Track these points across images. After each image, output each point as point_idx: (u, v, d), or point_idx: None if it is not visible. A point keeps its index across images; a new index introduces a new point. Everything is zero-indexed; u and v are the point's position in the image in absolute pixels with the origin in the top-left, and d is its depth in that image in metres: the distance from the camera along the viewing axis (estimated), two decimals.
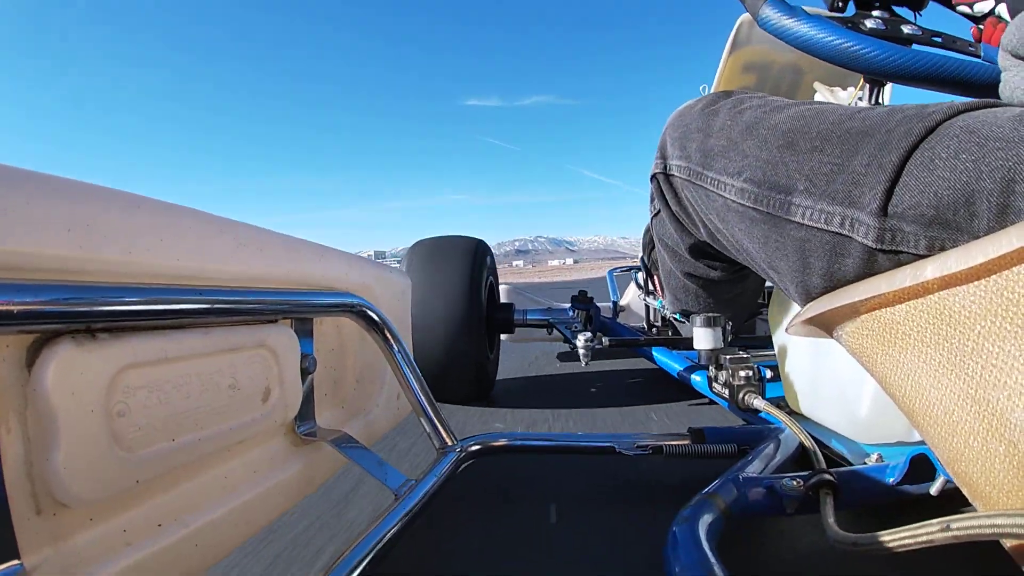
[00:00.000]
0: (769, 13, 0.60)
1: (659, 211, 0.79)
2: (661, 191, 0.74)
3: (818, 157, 0.47)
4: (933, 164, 0.38)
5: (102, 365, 0.32)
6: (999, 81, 0.58)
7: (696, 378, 1.15)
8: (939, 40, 0.65)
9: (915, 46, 0.63)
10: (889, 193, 0.40)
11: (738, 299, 0.94)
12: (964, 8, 0.72)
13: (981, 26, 0.72)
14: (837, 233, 0.44)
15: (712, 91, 1.10)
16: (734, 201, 0.56)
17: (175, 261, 0.37)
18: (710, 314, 0.93)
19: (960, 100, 0.42)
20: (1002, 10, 0.68)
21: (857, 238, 0.42)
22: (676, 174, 0.68)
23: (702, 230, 0.70)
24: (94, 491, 0.32)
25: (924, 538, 0.31)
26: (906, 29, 0.64)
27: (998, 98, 0.43)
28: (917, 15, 0.69)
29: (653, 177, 0.75)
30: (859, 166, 0.42)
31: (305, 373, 0.58)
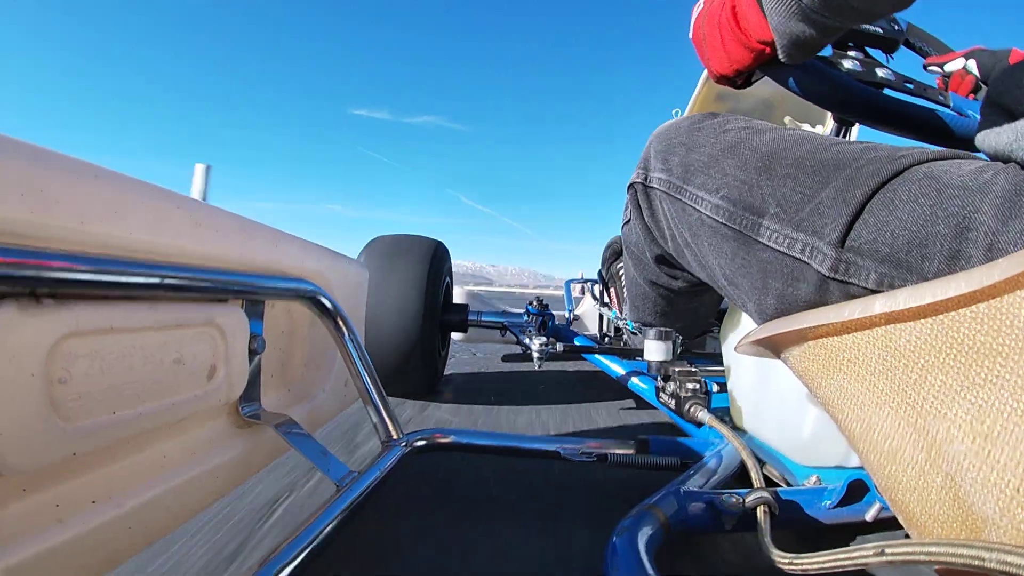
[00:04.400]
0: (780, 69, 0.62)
1: (630, 220, 0.81)
2: (637, 200, 0.76)
3: (791, 184, 0.49)
4: (893, 205, 0.40)
5: (45, 331, 0.31)
6: (966, 130, 0.62)
7: (644, 387, 1.17)
8: (910, 86, 0.69)
9: (887, 90, 0.66)
10: (849, 227, 0.42)
11: (694, 312, 0.97)
12: (935, 68, 0.77)
13: (947, 78, 0.78)
14: (797, 259, 0.46)
15: (686, 114, 1.13)
16: (708, 216, 0.58)
17: (128, 233, 0.36)
18: (663, 328, 0.96)
19: (936, 148, 0.45)
20: (972, 66, 0.74)
21: (814, 265, 0.44)
22: (655, 186, 0.70)
23: (670, 243, 0.73)
24: (28, 460, 0.31)
25: (859, 561, 0.32)
26: (880, 72, 0.68)
27: (968, 147, 0.46)
28: (889, 58, 0.73)
29: (631, 186, 0.77)
30: (826, 198, 0.45)
31: (253, 354, 0.57)
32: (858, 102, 0.61)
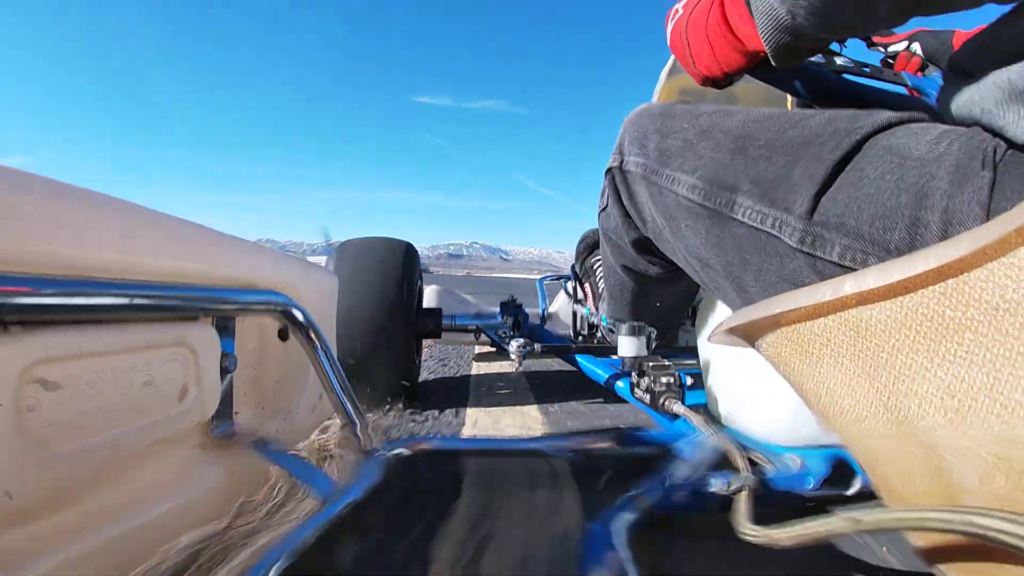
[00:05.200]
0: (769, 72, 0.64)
1: (607, 205, 0.82)
2: (615, 185, 0.78)
3: (763, 164, 0.51)
4: (860, 182, 0.42)
5: (13, 359, 0.30)
6: (917, 104, 0.65)
7: (619, 384, 1.18)
8: (867, 70, 0.72)
9: (845, 75, 0.69)
10: (816, 201, 0.44)
11: (669, 300, 0.98)
12: (879, 48, 0.81)
13: (891, 60, 0.81)
14: (768, 232, 0.48)
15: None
16: (684, 197, 0.60)
17: (95, 253, 0.35)
18: (635, 323, 0.96)
19: (893, 113, 0.46)
20: (916, 47, 0.78)
21: (783, 238, 0.46)
22: (632, 170, 0.72)
23: (648, 226, 0.74)
24: None
25: (833, 529, 0.32)
26: (839, 61, 0.71)
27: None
28: (843, 47, 0.77)
29: (608, 171, 0.78)
30: (797, 176, 0.47)
31: (225, 372, 0.56)
32: (830, 90, 0.64)
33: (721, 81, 0.64)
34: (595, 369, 1.33)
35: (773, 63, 0.55)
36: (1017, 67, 0.36)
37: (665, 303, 0.98)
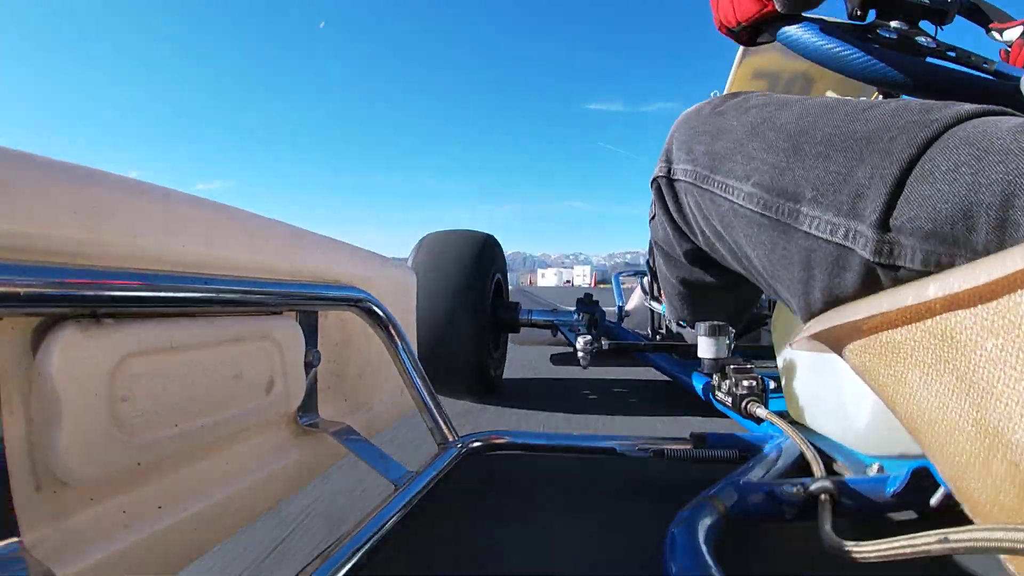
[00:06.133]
0: (787, 26, 0.59)
1: (655, 215, 0.79)
2: (662, 195, 0.74)
3: (823, 165, 0.46)
4: (933, 176, 0.37)
5: (106, 351, 0.33)
6: (1009, 91, 0.58)
7: (699, 385, 1.14)
8: (952, 55, 0.64)
9: (928, 59, 0.63)
10: (890, 205, 0.39)
11: (734, 305, 0.93)
12: (995, 33, 0.71)
13: (1008, 48, 0.72)
14: (840, 245, 0.43)
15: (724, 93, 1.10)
16: (742, 206, 0.55)
17: (181, 248, 0.37)
18: (715, 323, 0.93)
19: (970, 106, 0.41)
20: None
21: (858, 250, 0.41)
22: (681, 178, 0.67)
23: (700, 236, 0.70)
24: (94, 471, 0.32)
25: (921, 548, 0.30)
26: (921, 40, 0.64)
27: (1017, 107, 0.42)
28: (939, 29, 0.69)
29: (654, 180, 0.75)
30: (863, 177, 0.42)
31: (308, 366, 0.58)
32: (900, 74, 0.58)
33: (737, 32, 0.59)
34: (673, 369, 1.29)
35: (778, 7, 0.50)
36: None
37: (727, 308, 0.93)
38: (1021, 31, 0.71)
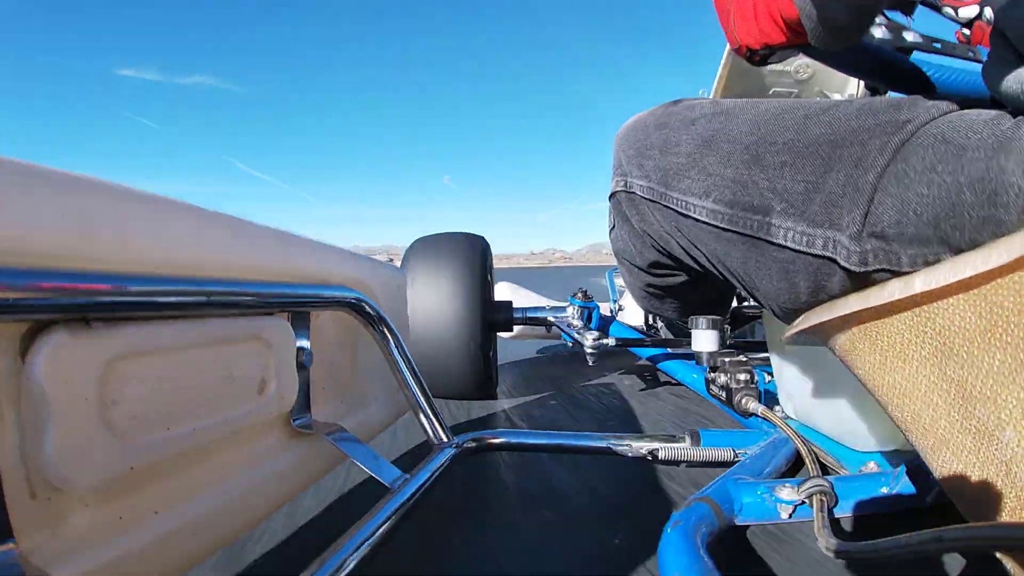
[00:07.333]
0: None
1: (615, 226, 0.78)
2: (622, 209, 0.73)
3: (790, 174, 0.46)
4: (909, 179, 0.37)
5: (96, 354, 0.33)
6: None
7: (694, 378, 1.15)
8: (938, 46, 0.64)
9: (916, 53, 0.63)
10: (868, 213, 0.39)
11: (705, 298, 0.93)
12: (949, 10, 0.70)
13: (966, 31, 0.71)
14: (819, 256, 0.43)
15: (712, 96, 1.09)
16: (706, 223, 0.55)
17: (170, 251, 0.37)
18: (709, 316, 0.93)
19: (938, 102, 0.41)
20: (988, 14, 0.67)
21: (840, 260, 0.41)
22: (639, 193, 0.67)
23: (667, 247, 0.69)
24: (88, 477, 0.32)
25: (916, 548, 0.30)
26: (908, 37, 0.64)
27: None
28: (909, 20, 0.69)
29: (613, 195, 0.74)
30: (835, 186, 0.42)
31: (301, 367, 0.58)
32: (892, 70, 0.58)
33: (758, 54, 0.55)
34: (669, 363, 1.30)
35: (811, 41, 0.46)
36: None
37: (700, 304, 0.92)
38: (978, 9, 0.69)
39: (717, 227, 0.53)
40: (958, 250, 0.34)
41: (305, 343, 0.59)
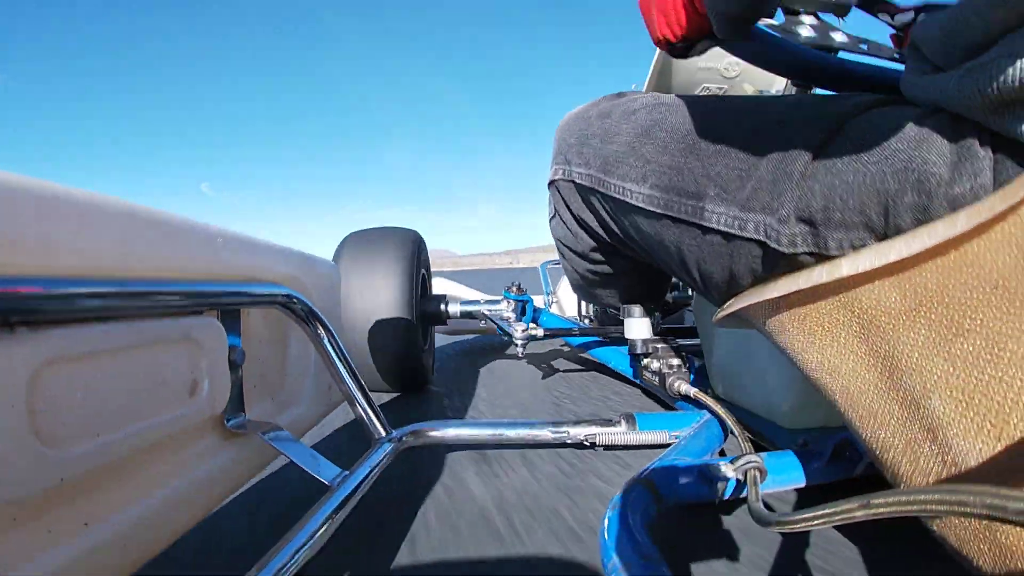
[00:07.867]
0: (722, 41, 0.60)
1: (556, 215, 0.80)
2: (561, 196, 0.75)
3: (723, 161, 0.48)
4: (836, 168, 0.39)
5: (22, 360, 0.31)
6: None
7: (627, 366, 1.18)
8: (864, 47, 0.68)
9: (842, 53, 0.66)
10: (797, 198, 0.41)
11: (643, 285, 0.96)
12: (885, 17, 0.75)
13: (901, 34, 0.76)
14: (751, 239, 0.45)
15: (644, 90, 1.12)
16: (642, 208, 0.56)
17: (95, 251, 0.36)
18: (640, 305, 0.96)
19: (865, 96, 0.44)
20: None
21: (769, 243, 0.44)
22: (579, 181, 0.69)
23: (606, 234, 0.71)
24: (15, 490, 0.30)
25: (845, 515, 0.31)
26: (836, 36, 0.67)
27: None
28: (841, 21, 0.73)
29: (552, 183, 0.76)
30: (766, 172, 0.44)
31: (233, 365, 0.56)
32: (815, 69, 0.60)
33: (676, 46, 0.57)
34: (602, 352, 1.33)
35: (716, 33, 0.50)
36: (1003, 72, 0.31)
37: (638, 291, 0.95)
38: (913, 16, 0.74)
39: (653, 212, 0.55)
40: (882, 235, 0.37)
41: (236, 341, 0.58)
